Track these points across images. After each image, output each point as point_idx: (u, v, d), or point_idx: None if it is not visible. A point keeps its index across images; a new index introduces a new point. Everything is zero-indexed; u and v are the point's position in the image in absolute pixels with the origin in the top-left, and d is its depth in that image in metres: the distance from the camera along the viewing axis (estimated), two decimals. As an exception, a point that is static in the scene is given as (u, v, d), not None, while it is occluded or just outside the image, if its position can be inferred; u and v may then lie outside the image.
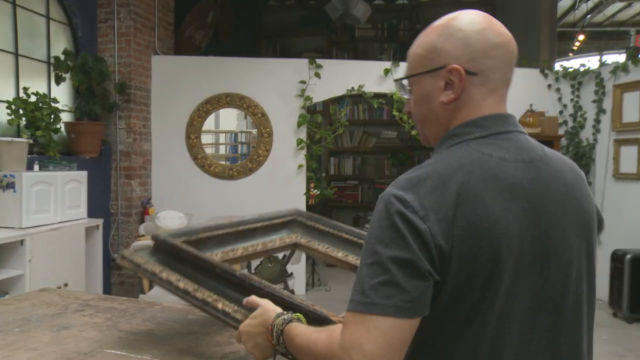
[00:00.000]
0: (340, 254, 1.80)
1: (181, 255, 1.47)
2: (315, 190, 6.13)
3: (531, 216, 1.04)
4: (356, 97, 6.54)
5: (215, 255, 1.65)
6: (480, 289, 1.00)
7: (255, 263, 1.86)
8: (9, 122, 4.51)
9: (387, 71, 5.86)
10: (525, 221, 1.03)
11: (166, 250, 1.50)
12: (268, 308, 1.23)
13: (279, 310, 1.22)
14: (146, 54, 5.87)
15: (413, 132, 5.85)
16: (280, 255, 4.78)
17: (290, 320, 1.18)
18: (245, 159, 6.21)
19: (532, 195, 1.05)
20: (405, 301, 0.95)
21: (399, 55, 8.23)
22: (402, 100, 5.75)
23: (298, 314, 1.22)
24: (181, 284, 1.41)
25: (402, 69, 5.92)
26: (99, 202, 5.42)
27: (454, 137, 1.10)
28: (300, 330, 1.14)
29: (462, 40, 1.09)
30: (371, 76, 5.89)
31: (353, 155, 9.34)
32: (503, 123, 1.11)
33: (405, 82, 1.19)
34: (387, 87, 5.89)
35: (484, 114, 1.10)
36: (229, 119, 6.82)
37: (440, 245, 0.97)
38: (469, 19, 1.11)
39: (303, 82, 5.86)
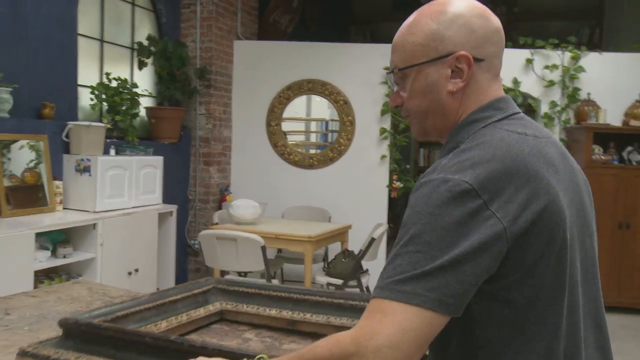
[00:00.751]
0: (273, 312, 1.66)
1: (100, 335, 1.29)
2: (399, 183, 5.85)
3: (571, 189, 1.04)
4: (446, 85, 6.18)
5: None
6: (554, 269, 0.96)
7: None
8: (92, 106, 4.58)
9: (477, 57, 5.47)
10: (569, 194, 1.02)
11: (80, 334, 1.32)
12: None
13: None
14: (228, 39, 5.81)
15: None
16: (356, 250, 4.60)
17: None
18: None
19: (564, 169, 1.04)
20: (449, 296, 0.88)
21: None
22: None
23: (262, 355, 1.05)
24: None
25: (494, 54, 5.51)
26: (176, 188, 5.43)
27: (476, 122, 1.05)
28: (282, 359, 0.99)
29: (465, 26, 1.05)
30: (460, 63, 5.51)
31: (443, 146, 8.95)
32: (513, 104, 1.10)
33: (390, 75, 1.13)
34: (478, 74, 5.51)
35: (495, 97, 1.08)
36: (321, 106, 6.69)
37: (510, 227, 0.91)
38: (466, 4, 1.07)
39: (388, 68, 5.58)
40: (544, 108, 5.49)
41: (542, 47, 5.47)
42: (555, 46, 5.48)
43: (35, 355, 1.29)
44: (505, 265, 0.93)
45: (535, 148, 1.00)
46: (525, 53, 5.51)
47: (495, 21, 1.08)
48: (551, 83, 5.45)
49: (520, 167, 0.94)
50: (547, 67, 5.46)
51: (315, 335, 1.54)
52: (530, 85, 5.53)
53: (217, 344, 1.15)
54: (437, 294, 0.88)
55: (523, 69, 5.52)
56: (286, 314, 1.62)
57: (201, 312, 1.67)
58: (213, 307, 1.71)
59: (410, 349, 0.86)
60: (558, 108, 5.45)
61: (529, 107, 5.71)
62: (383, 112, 5.66)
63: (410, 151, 8.98)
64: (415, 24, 1.08)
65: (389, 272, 0.91)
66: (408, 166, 7.22)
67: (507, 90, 5.41)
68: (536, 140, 1.02)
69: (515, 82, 5.48)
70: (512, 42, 6.42)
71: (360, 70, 5.69)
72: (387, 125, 5.69)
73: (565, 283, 0.98)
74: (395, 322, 0.86)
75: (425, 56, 1.06)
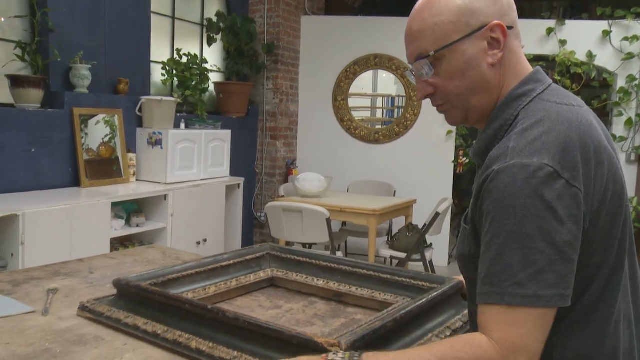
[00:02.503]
0: (320, 282, 1.67)
1: (147, 297, 1.34)
2: (464, 159, 5.78)
3: (614, 155, 1.03)
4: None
5: (186, 295, 1.49)
6: (620, 237, 1.00)
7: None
8: (163, 82, 4.74)
9: (549, 30, 5.29)
10: (613, 160, 1.02)
11: (130, 295, 1.38)
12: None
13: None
14: (295, 14, 5.85)
15: (577, 98, 5.25)
16: (420, 225, 4.60)
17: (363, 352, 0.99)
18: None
19: (606, 135, 1.05)
20: (565, 288, 0.90)
21: (569, 14, 7.44)
22: (566, 63, 5.17)
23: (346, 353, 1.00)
24: (149, 328, 1.28)
25: (567, 27, 5.32)
26: (243, 161, 5.56)
27: (522, 97, 1.04)
28: (397, 355, 0.97)
29: (474, 1, 1.04)
30: (531, 37, 5.34)
31: (513, 122, 8.73)
32: (546, 75, 1.10)
33: (420, 62, 1.07)
34: (550, 48, 5.33)
35: (529, 70, 1.08)
36: (388, 83, 6.66)
37: (591, 200, 0.94)
38: None
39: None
40: (621, 82, 5.26)
41: (623, 17, 5.22)
42: (637, 16, 5.22)
43: (92, 311, 1.39)
44: (584, 239, 0.95)
45: (585, 118, 1.01)
46: (602, 25, 5.28)
47: None
48: (630, 56, 5.21)
49: (586, 140, 0.95)
50: (626, 38, 5.21)
51: (358, 307, 1.58)
52: (606, 59, 5.31)
53: (249, 317, 1.17)
54: (556, 290, 0.90)
55: (599, 42, 5.30)
56: (333, 285, 1.64)
57: (251, 278, 1.70)
58: (264, 274, 1.74)
59: (541, 349, 0.91)
60: (637, 82, 5.21)
61: (604, 81, 5.48)
62: (450, 87, 5.57)
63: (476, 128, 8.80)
64: (435, 4, 1.05)
65: (500, 275, 0.91)
66: (474, 142, 7.12)
67: (580, 64, 5.22)
68: (581, 110, 1.02)
69: (590, 55, 5.27)
70: (589, 13, 6.17)
71: (428, 44, 5.61)
72: (455, 100, 5.60)
73: (625, 249, 1.02)
74: (530, 332, 0.89)
75: (458, 33, 1.03)
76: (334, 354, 0.98)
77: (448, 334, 1.28)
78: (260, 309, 1.57)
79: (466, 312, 1.33)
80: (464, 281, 1.24)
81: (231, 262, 1.68)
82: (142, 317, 1.31)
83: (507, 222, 0.91)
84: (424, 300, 1.29)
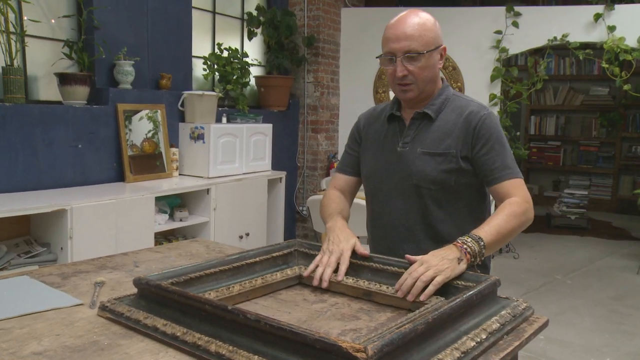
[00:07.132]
0: (350, 280, 1.60)
1: (166, 297, 1.29)
2: (509, 150, 5.65)
3: None
4: (562, 50, 5.83)
5: (208, 294, 1.44)
6: None
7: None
8: (204, 76, 4.77)
9: (597, 16, 5.12)
10: None
11: (150, 295, 1.34)
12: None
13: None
14: (335, 6, 5.81)
15: (625, 87, 5.08)
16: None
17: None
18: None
19: None
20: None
21: (618, -1, 7.20)
22: (615, 50, 5.00)
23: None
24: (168, 329, 1.23)
25: (617, 12, 5.13)
26: (284, 155, 5.57)
27: (449, 87, 1.95)
28: (492, 224, 1.66)
29: (439, 29, 1.85)
30: (578, 23, 5.20)
31: (556, 113, 8.54)
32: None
33: (409, 55, 1.79)
34: (597, 35, 5.16)
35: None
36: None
37: None
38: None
39: (499, 32, 5.37)
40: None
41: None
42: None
43: (112, 311, 1.36)
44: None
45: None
46: (652, 10, 5.08)
47: None
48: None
49: None
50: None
51: (389, 307, 1.51)
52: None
53: (270, 319, 1.11)
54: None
55: (650, 28, 5.11)
56: (362, 283, 1.58)
57: (278, 276, 1.64)
58: (291, 272, 1.68)
59: None
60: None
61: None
62: (493, 78, 5.46)
63: (521, 118, 8.64)
64: (427, 23, 1.80)
65: (509, 163, 1.78)
66: (518, 133, 6.97)
67: (630, 50, 5.02)
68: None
69: (640, 42, 5.09)
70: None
71: (470, 35, 5.51)
72: (497, 91, 5.50)
73: None
74: (526, 190, 1.77)
75: (434, 45, 1.80)
76: (465, 241, 1.56)
77: (484, 336, 1.22)
78: (305, 302, 1.55)
79: (503, 312, 1.35)
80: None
81: (257, 259, 1.63)
82: (162, 318, 1.28)
83: (503, 138, 1.81)
84: (457, 300, 1.24)
